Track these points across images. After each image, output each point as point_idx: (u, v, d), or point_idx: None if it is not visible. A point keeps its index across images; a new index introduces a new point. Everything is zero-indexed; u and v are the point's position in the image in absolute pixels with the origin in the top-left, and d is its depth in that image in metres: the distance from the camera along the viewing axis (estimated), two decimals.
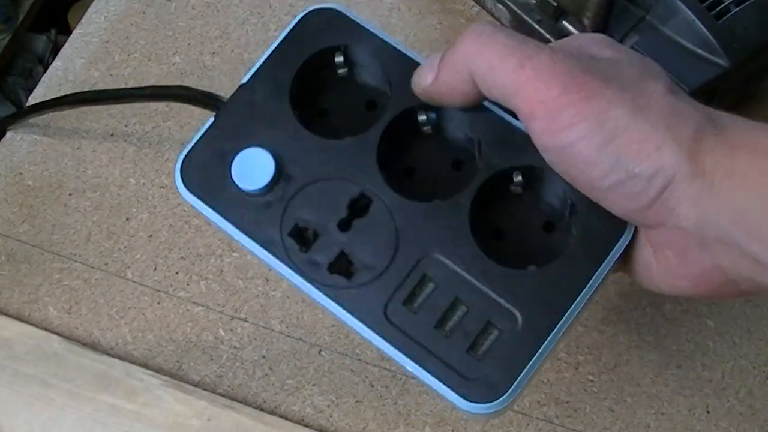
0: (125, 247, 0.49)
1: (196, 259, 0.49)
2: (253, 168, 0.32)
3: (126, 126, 0.53)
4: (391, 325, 0.30)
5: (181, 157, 0.33)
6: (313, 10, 0.34)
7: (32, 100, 0.54)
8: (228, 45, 0.55)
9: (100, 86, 0.54)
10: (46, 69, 0.56)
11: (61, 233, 0.50)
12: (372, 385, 0.45)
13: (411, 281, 0.30)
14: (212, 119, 0.33)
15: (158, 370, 0.45)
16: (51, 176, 0.52)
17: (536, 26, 0.50)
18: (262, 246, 0.31)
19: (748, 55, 0.44)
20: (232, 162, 0.32)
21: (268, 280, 0.48)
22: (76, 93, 0.50)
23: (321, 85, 0.34)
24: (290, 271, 0.31)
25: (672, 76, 0.30)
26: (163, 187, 0.51)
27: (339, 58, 0.33)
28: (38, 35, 1.34)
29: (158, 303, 0.48)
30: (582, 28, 0.49)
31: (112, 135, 0.53)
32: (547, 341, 0.29)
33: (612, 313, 0.45)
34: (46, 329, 0.47)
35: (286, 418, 0.44)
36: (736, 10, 0.44)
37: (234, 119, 0.33)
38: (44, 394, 0.45)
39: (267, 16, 0.56)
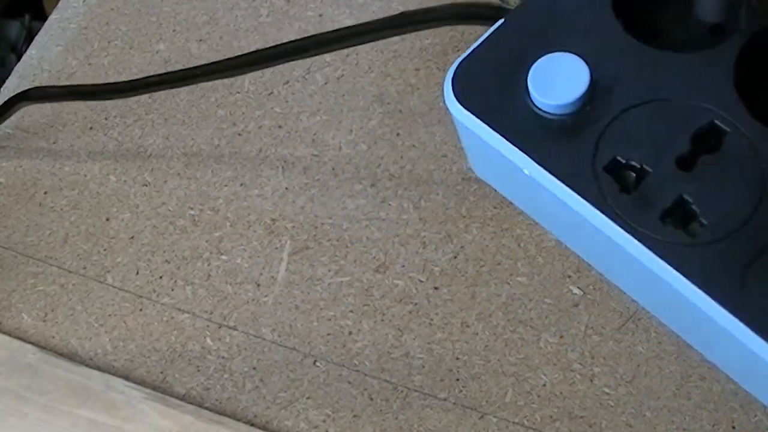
0: (105, 250, 0.49)
1: (181, 262, 0.48)
2: (559, 78, 0.26)
3: (106, 119, 0.52)
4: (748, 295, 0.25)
5: (456, 63, 0.27)
6: None
7: (5, 91, 0.54)
8: (216, 32, 0.54)
9: (78, 76, 0.54)
10: (19, 57, 0.56)
11: (36, 234, 0.50)
12: (371, 399, 0.44)
13: None
14: (500, 22, 0.27)
15: (141, 383, 0.45)
16: (24, 173, 0.51)
17: None
18: (564, 182, 0.25)
19: None
20: (529, 70, 0.26)
21: (258, 286, 0.47)
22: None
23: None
24: (604, 218, 0.25)
25: None
26: (146, 185, 0.50)
27: None
28: (11, 21, 1.33)
29: (140, 310, 0.47)
30: None
31: (91, 128, 0.52)
32: None
33: (630, 320, 0.45)
34: (19, 338, 0.47)
35: None
36: None
37: (531, 22, 0.27)
38: (17, 409, 0.45)
39: (258, 0, 0.55)
